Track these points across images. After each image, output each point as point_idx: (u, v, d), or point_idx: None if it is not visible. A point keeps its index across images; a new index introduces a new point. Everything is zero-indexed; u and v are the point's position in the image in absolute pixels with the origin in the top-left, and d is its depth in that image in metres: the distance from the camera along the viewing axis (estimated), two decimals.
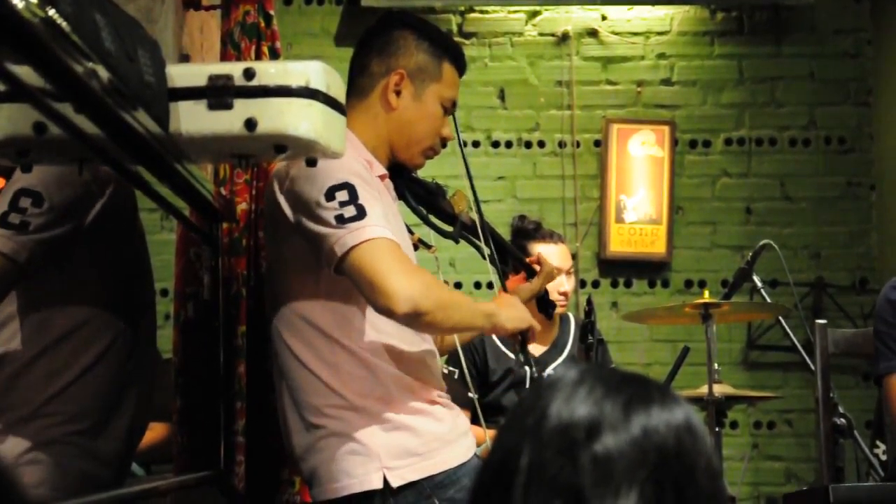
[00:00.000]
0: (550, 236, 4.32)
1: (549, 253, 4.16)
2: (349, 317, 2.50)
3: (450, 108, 2.72)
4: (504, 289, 2.85)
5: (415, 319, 2.40)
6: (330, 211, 2.40)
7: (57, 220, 2.28)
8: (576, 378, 1.09)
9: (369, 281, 2.36)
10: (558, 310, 4.16)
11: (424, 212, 2.76)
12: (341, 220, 2.38)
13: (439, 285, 2.46)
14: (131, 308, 2.47)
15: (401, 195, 2.74)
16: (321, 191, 2.41)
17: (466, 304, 2.54)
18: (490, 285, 5.44)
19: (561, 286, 4.19)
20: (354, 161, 2.47)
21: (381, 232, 2.38)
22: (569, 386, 1.08)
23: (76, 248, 2.33)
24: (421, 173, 2.82)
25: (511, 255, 3.05)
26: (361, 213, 2.38)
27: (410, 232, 2.74)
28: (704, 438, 1.08)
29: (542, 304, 3.12)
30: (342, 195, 2.40)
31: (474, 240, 2.82)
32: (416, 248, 2.73)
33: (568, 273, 4.28)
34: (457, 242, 2.86)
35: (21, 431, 2.30)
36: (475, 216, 2.84)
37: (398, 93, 2.65)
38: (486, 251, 2.81)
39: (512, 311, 2.61)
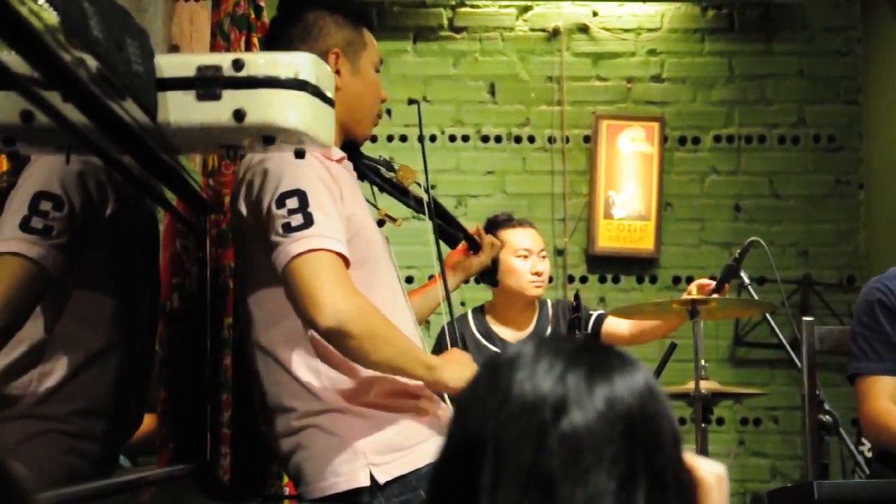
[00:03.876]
0: (520, 223, 4.35)
1: (518, 235, 4.22)
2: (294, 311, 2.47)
3: (379, 69, 2.75)
4: (441, 265, 2.89)
5: (338, 338, 2.36)
6: (278, 218, 2.39)
7: (78, 224, 2.26)
8: (533, 353, 1.06)
9: (301, 291, 2.34)
10: (534, 291, 4.20)
11: (386, 186, 2.81)
12: (288, 228, 2.37)
13: (377, 315, 2.40)
14: (130, 311, 2.46)
15: (361, 174, 2.76)
16: (273, 197, 2.41)
17: (405, 345, 2.45)
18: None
19: (534, 267, 4.21)
20: (311, 164, 2.44)
21: (325, 243, 2.36)
22: (528, 363, 1.05)
23: (86, 251, 2.31)
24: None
25: (457, 227, 3.12)
26: (308, 222, 2.37)
27: (376, 207, 2.75)
28: (666, 401, 1.06)
29: (487, 275, 3.27)
30: (292, 202, 2.39)
31: (423, 212, 2.88)
32: (381, 223, 2.74)
33: (542, 256, 4.30)
34: (417, 212, 2.92)
35: (13, 426, 2.29)
36: (421, 192, 2.87)
37: (338, 72, 2.63)
38: (434, 222, 2.87)
39: (457, 370, 2.50)
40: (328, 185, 2.46)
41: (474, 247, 3.12)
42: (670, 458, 1.03)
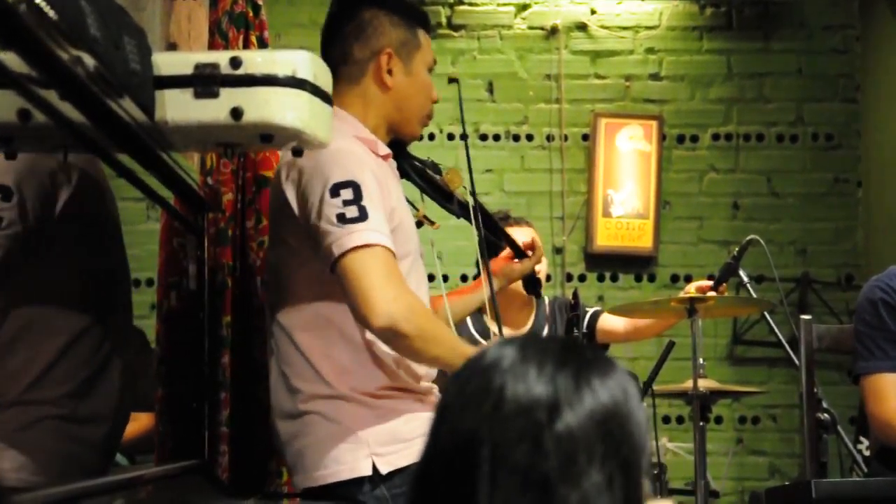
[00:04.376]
0: (518, 222, 4.35)
1: (516, 234, 4.20)
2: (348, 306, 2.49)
3: (432, 70, 2.76)
4: (486, 269, 2.87)
5: (391, 338, 2.40)
6: (333, 208, 2.40)
7: (27, 214, 2.27)
8: (519, 355, 1.07)
9: (355, 287, 2.37)
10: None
11: (428, 188, 2.80)
12: (342, 219, 2.39)
13: (426, 314, 2.44)
14: (103, 291, 2.46)
15: (404, 173, 2.76)
16: (326, 186, 2.42)
17: (450, 342, 2.48)
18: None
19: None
20: (363, 155, 2.48)
21: (379, 239, 2.39)
22: (517, 364, 1.06)
23: (45, 237, 2.32)
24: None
25: (502, 234, 3.10)
26: (363, 216, 2.39)
27: (415, 208, 2.75)
28: (634, 395, 1.08)
29: (531, 283, 3.20)
30: (347, 193, 2.40)
31: (470, 217, 2.87)
32: (420, 224, 2.75)
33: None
34: (458, 217, 2.90)
35: (7, 415, 2.30)
36: (468, 196, 2.87)
37: (390, 72, 2.66)
38: (481, 230, 2.85)
39: None
40: (378, 178, 2.48)
41: (519, 254, 3.10)
42: (637, 447, 1.05)
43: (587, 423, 1.02)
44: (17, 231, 2.25)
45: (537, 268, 4.23)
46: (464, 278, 5.70)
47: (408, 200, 2.71)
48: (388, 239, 2.41)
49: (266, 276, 2.67)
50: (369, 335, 2.47)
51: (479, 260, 2.91)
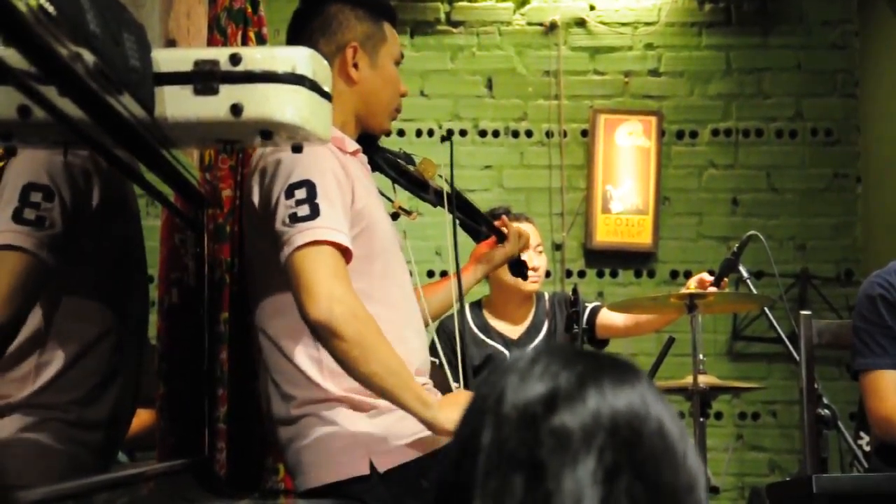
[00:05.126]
0: (517, 217, 4.36)
1: None
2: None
3: (399, 63, 2.76)
4: (457, 259, 2.86)
5: (326, 336, 2.34)
6: (286, 208, 2.39)
7: (68, 213, 2.25)
8: (531, 357, 1.10)
9: (299, 282, 2.34)
10: (530, 287, 4.18)
11: (401, 179, 2.80)
12: (294, 218, 2.38)
13: (370, 324, 2.37)
14: (123, 295, 2.46)
15: (376, 166, 2.76)
16: (282, 188, 2.41)
17: (397, 368, 2.39)
18: None
19: (531, 261, 4.22)
20: (324, 155, 2.46)
21: (329, 235, 2.36)
22: (525, 365, 1.09)
23: (76, 241, 2.31)
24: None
25: (483, 219, 3.10)
26: (314, 213, 2.37)
27: (390, 200, 2.75)
28: (656, 404, 1.08)
29: (516, 266, 3.20)
30: (300, 193, 2.39)
31: (447, 206, 2.87)
32: (396, 216, 2.74)
33: (539, 251, 4.31)
34: (434, 206, 2.90)
35: (10, 418, 2.29)
36: (443, 183, 2.87)
37: (356, 65, 2.67)
38: (454, 212, 2.86)
39: (457, 414, 2.47)
40: (339, 177, 2.47)
41: (501, 238, 3.10)
42: (655, 452, 1.05)
43: (586, 419, 1.04)
44: (59, 232, 2.23)
45: (536, 263, 4.25)
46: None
47: (382, 193, 2.71)
48: (343, 236, 2.38)
49: (244, 282, 2.66)
50: None
51: (451, 242, 2.88)
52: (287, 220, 2.38)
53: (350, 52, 2.66)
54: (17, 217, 2.14)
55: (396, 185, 2.84)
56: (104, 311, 2.37)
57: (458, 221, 2.90)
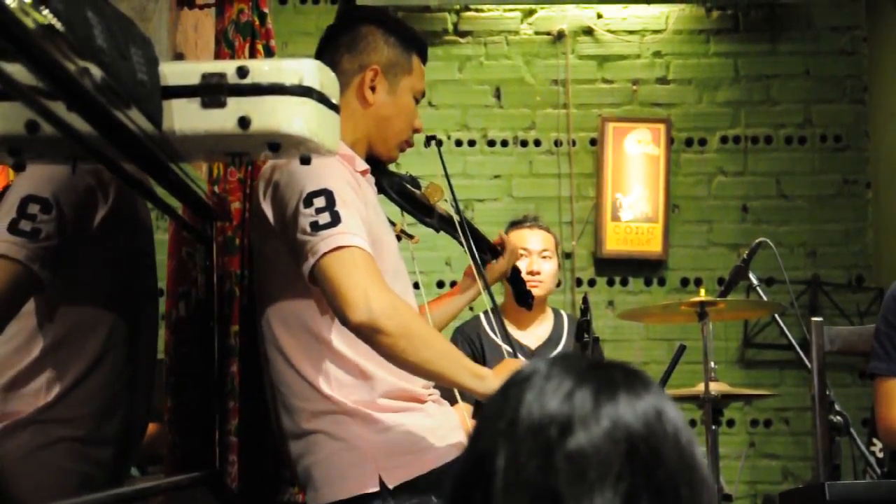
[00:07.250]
0: (527, 224, 4.37)
1: (520, 235, 4.24)
2: (336, 320, 2.48)
3: (419, 99, 2.76)
4: (482, 277, 2.89)
5: (370, 335, 2.33)
6: (306, 217, 2.38)
7: (65, 227, 2.26)
8: (544, 373, 1.08)
9: (333, 288, 2.33)
10: (533, 291, 4.18)
11: (406, 204, 2.80)
12: (316, 226, 2.37)
13: (411, 313, 2.39)
14: (132, 311, 2.46)
15: (381, 189, 2.75)
16: (300, 197, 2.41)
17: (446, 350, 2.42)
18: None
19: (530, 266, 4.22)
20: (337, 166, 2.46)
21: (353, 240, 2.36)
22: (538, 382, 1.07)
23: (80, 255, 2.31)
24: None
25: (486, 244, 3.11)
26: (336, 220, 2.37)
27: (392, 224, 2.75)
28: (672, 418, 1.07)
29: (522, 296, 3.27)
30: (319, 201, 2.39)
31: (452, 230, 2.87)
32: (399, 238, 2.74)
33: (543, 256, 4.30)
34: (437, 232, 2.91)
35: (21, 435, 2.29)
36: (449, 208, 2.87)
37: (373, 88, 2.66)
38: (470, 241, 2.86)
39: None
40: (353, 186, 2.47)
41: (494, 255, 3.11)
42: (673, 469, 1.04)
43: (602, 443, 1.02)
44: (55, 245, 2.24)
45: (535, 268, 4.24)
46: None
47: (388, 219, 2.71)
48: (365, 241, 2.38)
49: (253, 294, 2.65)
50: (361, 346, 2.42)
51: (476, 271, 2.91)
52: (308, 229, 2.37)
53: (370, 74, 2.66)
54: (13, 228, 2.15)
55: (402, 210, 2.85)
56: (116, 325, 2.37)
57: (465, 245, 2.89)
